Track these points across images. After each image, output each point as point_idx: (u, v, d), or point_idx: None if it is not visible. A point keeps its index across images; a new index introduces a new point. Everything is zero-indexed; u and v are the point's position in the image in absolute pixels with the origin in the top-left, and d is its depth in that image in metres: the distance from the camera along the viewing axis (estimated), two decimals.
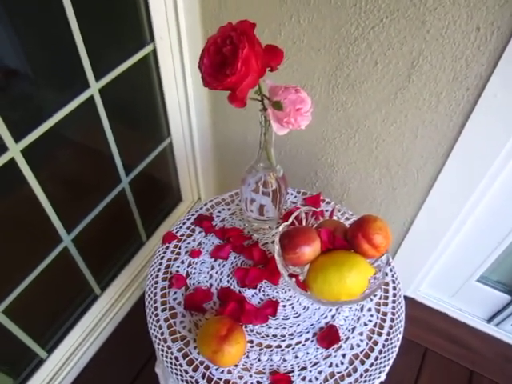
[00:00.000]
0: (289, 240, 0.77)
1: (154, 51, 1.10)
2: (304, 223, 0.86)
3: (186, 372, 0.76)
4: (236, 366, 0.76)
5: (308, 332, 0.81)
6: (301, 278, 0.79)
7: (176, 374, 0.76)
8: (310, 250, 0.75)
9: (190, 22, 1.07)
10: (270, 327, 0.82)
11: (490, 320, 1.34)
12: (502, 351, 1.33)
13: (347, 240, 0.78)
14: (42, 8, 0.84)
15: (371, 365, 0.78)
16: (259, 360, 0.78)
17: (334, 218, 0.89)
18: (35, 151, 0.89)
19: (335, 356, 0.78)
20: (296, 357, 0.78)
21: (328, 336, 0.80)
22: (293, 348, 0.79)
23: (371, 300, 0.86)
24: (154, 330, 0.81)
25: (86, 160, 1.10)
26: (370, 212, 1.22)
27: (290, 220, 0.83)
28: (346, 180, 1.19)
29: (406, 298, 1.42)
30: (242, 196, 0.88)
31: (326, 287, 0.73)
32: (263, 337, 0.80)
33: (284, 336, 0.81)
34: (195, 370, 0.76)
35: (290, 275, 0.78)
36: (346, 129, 1.07)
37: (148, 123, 1.26)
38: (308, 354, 0.79)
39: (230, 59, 0.58)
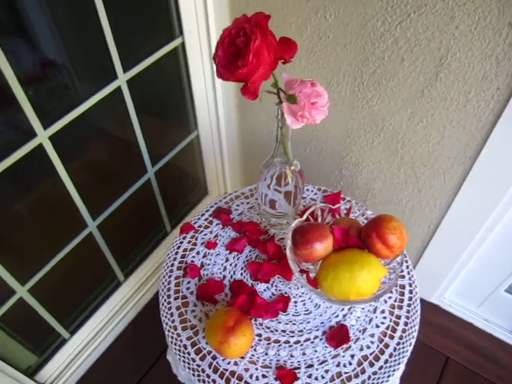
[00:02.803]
0: (301, 236, 0.76)
1: (183, 44, 1.12)
2: (320, 220, 0.86)
3: (194, 360, 0.77)
4: (243, 358, 0.77)
5: (318, 330, 0.80)
6: (312, 275, 0.78)
7: (183, 362, 0.78)
8: (321, 246, 0.75)
9: (219, 16, 1.08)
10: (279, 322, 0.81)
11: None
12: None
13: (361, 239, 0.77)
14: (74, 2, 0.87)
15: (380, 368, 0.76)
16: (266, 354, 0.78)
17: (352, 216, 0.88)
18: (63, 138, 0.93)
19: (343, 356, 0.77)
20: (304, 353, 0.78)
21: (338, 335, 0.79)
22: (301, 344, 0.79)
23: (385, 302, 0.84)
24: (166, 317, 0.83)
25: (113, 149, 1.14)
26: (394, 213, 1.20)
27: (305, 216, 0.83)
28: (371, 180, 1.17)
29: (430, 304, 1.38)
30: (258, 190, 0.88)
31: (335, 285, 0.72)
32: (272, 331, 0.80)
33: (293, 332, 0.80)
34: (202, 359, 0.77)
35: (302, 271, 0.78)
36: (371, 127, 1.05)
37: (175, 115, 1.28)
38: (316, 351, 0.78)
39: (242, 51, 0.58)
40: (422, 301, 1.38)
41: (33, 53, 0.90)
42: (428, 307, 1.37)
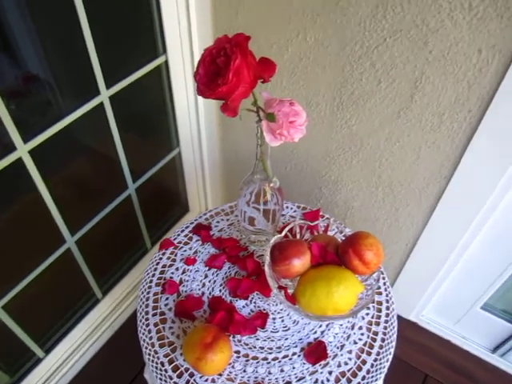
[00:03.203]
0: (279, 252, 0.77)
1: (166, 63, 1.13)
2: (298, 237, 0.87)
3: (171, 378, 0.76)
4: (220, 375, 0.76)
5: (296, 346, 0.81)
6: (290, 291, 0.79)
7: (160, 380, 0.77)
8: (299, 262, 0.75)
9: (202, 36, 1.10)
10: (258, 339, 0.81)
11: (494, 350, 1.30)
12: None
13: (338, 255, 0.78)
14: (58, 18, 0.88)
15: None
16: (244, 371, 0.77)
17: (330, 233, 0.89)
18: (43, 153, 0.92)
19: (321, 372, 0.77)
20: (282, 370, 0.78)
21: (315, 352, 0.80)
22: (279, 361, 0.79)
23: (363, 318, 0.85)
24: (143, 333, 0.82)
25: (94, 164, 1.14)
26: (372, 232, 1.22)
27: (284, 232, 0.84)
28: (350, 198, 1.19)
29: (408, 322, 1.39)
30: (238, 207, 0.88)
31: (313, 301, 0.73)
32: (250, 348, 0.80)
33: (271, 349, 0.80)
34: (180, 376, 0.76)
35: (280, 288, 0.78)
36: (349, 146, 1.08)
37: (158, 132, 1.29)
38: (294, 368, 0.78)
39: (223, 70, 0.60)
40: (401, 318, 1.39)
41: (15, 67, 0.91)
42: (406, 325, 1.38)
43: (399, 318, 1.40)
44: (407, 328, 1.37)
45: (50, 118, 0.92)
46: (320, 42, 0.95)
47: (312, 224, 0.86)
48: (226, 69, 0.59)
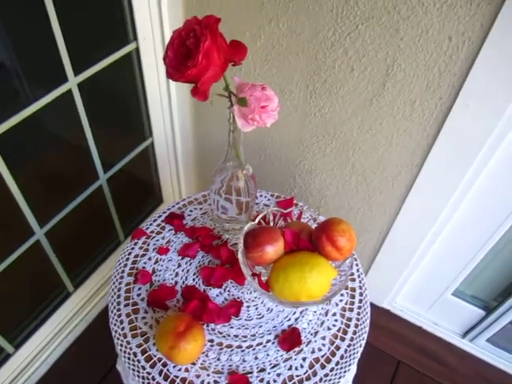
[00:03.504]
0: (253, 239, 0.76)
1: (137, 50, 1.11)
2: (272, 224, 0.86)
3: (144, 368, 0.75)
4: (194, 364, 0.76)
5: (270, 334, 0.80)
6: (264, 278, 0.78)
7: (133, 370, 0.75)
8: (272, 249, 0.75)
9: (174, 22, 1.08)
10: (232, 327, 0.81)
11: (464, 335, 1.33)
12: (478, 369, 1.32)
13: (312, 242, 0.78)
14: (23, 2, 0.85)
15: (331, 369, 0.77)
16: (218, 359, 0.77)
17: (304, 221, 0.89)
18: (8, 141, 0.89)
19: (295, 359, 0.77)
20: (256, 358, 0.77)
21: (289, 339, 0.80)
22: (253, 349, 0.78)
23: (337, 305, 0.85)
24: (115, 324, 0.80)
25: (63, 154, 1.11)
26: (346, 220, 1.23)
27: (257, 220, 0.83)
28: (324, 187, 1.19)
29: (382, 309, 1.41)
30: (210, 196, 0.87)
31: (286, 287, 0.73)
32: (224, 336, 0.79)
33: (246, 337, 0.80)
34: (153, 366, 0.75)
35: (253, 275, 0.78)
36: (323, 135, 1.08)
37: (129, 122, 1.26)
38: (268, 355, 0.78)
39: (192, 52, 0.58)
40: (374, 306, 1.41)
41: None
42: (380, 312, 1.40)
43: (373, 305, 1.41)
44: (380, 316, 1.39)
45: (15, 106, 0.89)
46: (293, 29, 0.94)
47: (285, 211, 0.86)
48: (195, 51, 0.58)
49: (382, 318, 1.39)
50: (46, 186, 1.09)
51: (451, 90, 0.85)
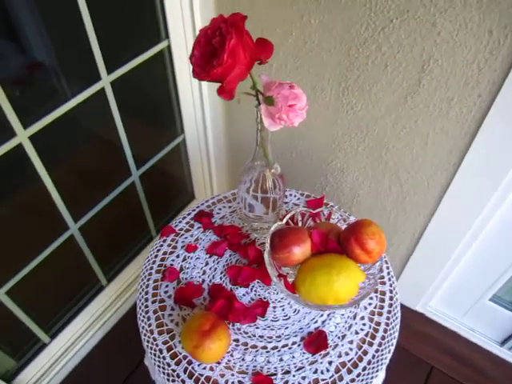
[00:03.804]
0: (279, 239, 0.75)
1: (169, 48, 1.12)
2: (300, 224, 0.85)
3: (169, 365, 0.76)
4: (219, 363, 0.75)
5: (296, 336, 0.79)
6: (291, 279, 0.77)
7: (158, 366, 0.76)
8: (299, 250, 0.74)
9: (205, 19, 1.08)
10: (257, 327, 0.80)
11: (503, 343, 1.27)
12: None
13: (340, 244, 0.76)
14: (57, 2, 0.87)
15: (358, 375, 0.75)
16: (243, 360, 0.76)
17: (334, 221, 0.87)
18: (44, 139, 0.92)
19: (321, 362, 0.76)
20: (281, 359, 0.76)
21: (316, 341, 0.78)
22: (278, 350, 0.77)
23: (365, 308, 0.83)
24: (142, 320, 0.82)
25: (97, 150, 1.13)
26: (379, 221, 1.20)
27: (285, 220, 0.82)
28: (356, 186, 1.16)
29: (415, 312, 1.37)
30: (238, 194, 0.87)
31: (313, 290, 0.71)
32: (250, 336, 0.79)
33: (271, 337, 0.79)
34: (178, 363, 0.76)
35: (279, 275, 0.77)
36: (355, 133, 1.05)
37: (161, 119, 1.27)
38: (294, 357, 0.77)
39: (218, 51, 0.58)
40: (407, 309, 1.37)
41: (17, 54, 0.90)
42: (413, 316, 1.36)
43: (406, 308, 1.37)
44: (414, 319, 1.35)
45: (50, 104, 0.92)
46: (325, 25, 0.92)
47: (314, 211, 0.84)
48: (221, 49, 0.57)
49: (415, 322, 1.35)
50: (80, 183, 1.12)
51: (491, 87, 0.81)
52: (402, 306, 1.37)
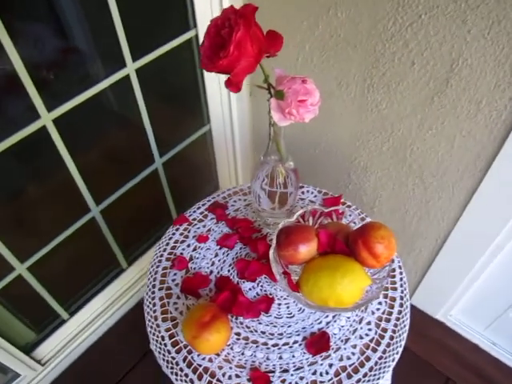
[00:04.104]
0: (285, 236, 0.74)
1: (197, 37, 1.12)
2: (311, 223, 0.83)
3: (169, 352, 0.77)
4: (218, 355, 0.76)
5: (298, 335, 0.78)
6: (296, 277, 0.76)
7: (159, 353, 0.77)
8: (305, 249, 0.72)
9: None
10: (260, 323, 0.80)
11: None
12: None
13: (348, 245, 0.74)
14: None
15: (358, 381, 0.73)
16: (242, 354, 0.76)
17: (348, 222, 0.85)
18: (68, 122, 0.94)
19: (321, 364, 0.75)
20: (280, 357, 0.76)
21: (318, 342, 0.77)
22: (279, 348, 0.77)
23: (373, 313, 0.81)
24: (148, 306, 0.83)
25: (120, 136, 1.15)
26: (401, 224, 1.16)
27: (294, 217, 0.81)
28: (379, 186, 1.13)
29: (435, 321, 1.32)
30: (252, 189, 0.86)
31: (315, 291, 0.70)
32: (251, 331, 0.79)
33: (273, 334, 0.78)
34: (178, 351, 0.77)
35: (284, 273, 0.76)
36: (380, 131, 1.01)
37: (187, 108, 1.28)
38: (294, 357, 0.76)
39: (226, 42, 0.57)
40: (428, 317, 1.33)
41: (51, 37, 0.93)
42: (433, 324, 1.31)
43: (426, 316, 1.33)
44: (433, 327, 1.30)
45: (76, 88, 0.94)
46: (351, 19, 0.89)
47: (326, 210, 0.82)
48: (228, 41, 0.56)
49: (434, 330, 1.30)
50: (103, 167, 1.14)
51: None
52: (422, 313, 1.33)
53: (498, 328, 1.22)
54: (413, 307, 1.34)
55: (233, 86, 0.60)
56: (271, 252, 0.75)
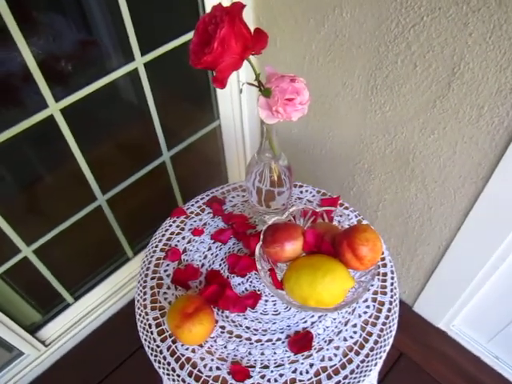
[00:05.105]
0: (272, 233, 0.75)
1: None
2: (302, 222, 0.83)
3: (154, 340, 0.78)
4: (201, 346, 0.77)
5: (282, 332, 0.78)
6: (279, 275, 0.76)
7: (145, 340, 0.79)
8: (290, 247, 0.73)
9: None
10: (246, 318, 0.80)
11: None
12: None
13: (334, 246, 0.74)
14: None
15: (338, 382, 0.73)
16: (225, 347, 0.77)
17: (341, 224, 0.84)
18: (76, 112, 0.97)
19: (302, 363, 0.75)
20: (262, 353, 0.76)
21: (301, 341, 0.77)
22: (262, 344, 0.77)
23: (359, 316, 0.80)
24: (139, 294, 0.85)
25: (129, 128, 1.18)
26: (404, 229, 1.14)
27: (285, 215, 0.81)
28: (382, 190, 1.11)
29: (437, 330, 1.29)
30: (246, 186, 0.87)
31: (296, 288, 0.70)
32: (236, 326, 0.79)
33: (257, 330, 0.79)
34: (163, 340, 0.78)
35: (270, 270, 0.76)
36: (383, 134, 1.00)
37: (197, 103, 1.30)
38: (275, 353, 0.76)
39: (212, 38, 0.58)
40: (429, 325, 1.30)
41: (70, 29, 0.96)
42: (434, 332, 1.28)
43: (428, 324, 1.30)
44: (434, 336, 1.28)
45: (83, 80, 0.97)
46: (356, 19, 0.88)
47: (317, 210, 0.82)
48: (213, 37, 0.57)
49: (435, 340, 1.28)
50: (110, 157, 1.17)
51: None
52: (424, 321, 1.30)
53: (501, 341, 1.19)
54: (415, 315, 1.32)
55: (218, 82, 0.60)
56: (257, 248, 0.76)
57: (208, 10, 1.08)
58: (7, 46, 0.83)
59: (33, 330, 1.22)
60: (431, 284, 1.19)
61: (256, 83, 0.67)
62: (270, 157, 0.80)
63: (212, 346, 0.77)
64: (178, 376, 0.74)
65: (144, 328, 0.80)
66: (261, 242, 0.76)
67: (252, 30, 0.61)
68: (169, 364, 0.76)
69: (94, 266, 1.32)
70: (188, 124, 1.30)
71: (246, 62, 0.62)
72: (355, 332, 0.78)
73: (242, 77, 1.23)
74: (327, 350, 0.76)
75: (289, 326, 0.79)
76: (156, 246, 0.92)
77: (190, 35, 1.10)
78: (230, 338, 0.78)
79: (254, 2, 1.06)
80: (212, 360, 0.75)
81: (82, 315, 1.31)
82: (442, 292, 1.18)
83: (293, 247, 0.73)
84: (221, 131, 1.38)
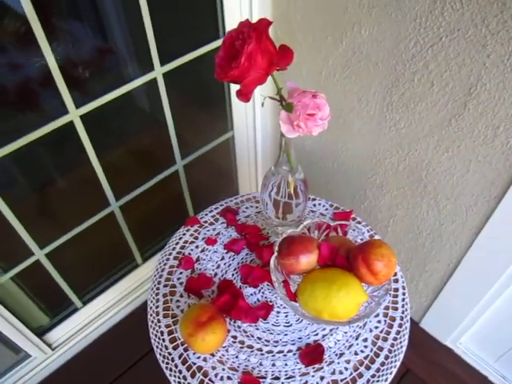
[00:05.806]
0: (287, 246, 0.76)
1: None
2: (316, 235, 0.84)
3: (166, 348, 0.79)
4: (213, 355, 0.77)
5: (294, 344, 0.79)
6: (292, 287, 0.77)
7: (157, 347, 0.80)
8: (305, 260, 0.74)
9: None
10: (257, 328, 0.81)
11: None
12: None
13: (349, 260, 0.74)
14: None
15: None
16: (237, 357, 0.77)
17: (354, 238, 0.85)
18: (93, 119, 0.99)
19: (313, 376, 0.75)
20: (273, 365, 0.77)
21: (312, 354, 0.77)
22: (273, 355, 0.78)
23: (371, 331, 0.81)
24: (151, 301, 0.86)
25: (145, 136, 1.19)
26: (414, 245, 1.15)
27: (300, 228, 0.82)
28: (394, 206, 1.12)
29: (444, 347, 1.29)
30: (261, 199, 0.88)
31: (310, 301, 0.71)
32: (248, 336, 0.80)
33: (268, 341, 0.79)
34: (175, 348, 0.79)
35: (284, 282, 0.77)
36: (397, 150, 1.01)
37: (212, 114, 1.31)
38: (286, 365, 0.76)
39: (239, 53, 0.59)
40: (436, 342, 1.30)
41: (89, 37, 0.98)
42: (441, 350, 1.28)
43: (434, 341, 1.30)
44: (441, 353, 1.27)
45: (103, 88, 0.98)
46: (374, 37, 0.90)
47: (332, 224, 0.83)
48: (241, 52, 0.58)
49: (442, 357, 1.27)
50: (125, 164, 1.19)
51: None
52: (431, 338, 1.30)
53: (509, 361, 1.18)
54: (422, 331, 1.32)
55: (243, 95, 0.62)
56: (272, 260, 0.76)
57: (227, 21, 1.10)
58: (31, 50, 0.85)
59: (40, 332, 1.22)
60: (439, 301, 1.19)
61: (277, 97, 0.69)
62: (287, 170, 0.81)
63: (224, 355, 0.78)
64: None
65: (156, 335, 0.81)
66: (276, 254, 0.77)
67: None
68: (180, 372, 0.76)
69: (103, 271, 1.33)
70: (202, 134, 1.32)
71: None
72: (366, 346, 0.79)
73: (258, 90, 1.25)
74: (338, 363, 0.77)
75: (300, 338, 0.80)
76: (170, 254, 0.93)
77: (209, 46, 1.12)
78: (241, 348, 0.79)
79: (272, 16, 1.08)
80: (223, 369, 0.76)
81: (90, 320, 1.31)
82: (449, 309, 1.18)
83: (308, 260, 0.74)
84: (234, 142, 1.40)
